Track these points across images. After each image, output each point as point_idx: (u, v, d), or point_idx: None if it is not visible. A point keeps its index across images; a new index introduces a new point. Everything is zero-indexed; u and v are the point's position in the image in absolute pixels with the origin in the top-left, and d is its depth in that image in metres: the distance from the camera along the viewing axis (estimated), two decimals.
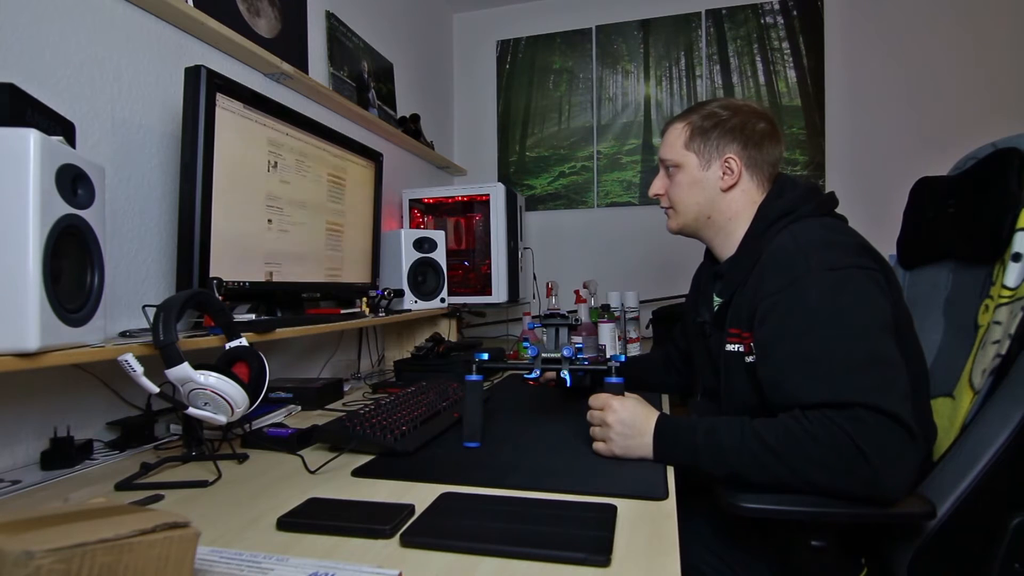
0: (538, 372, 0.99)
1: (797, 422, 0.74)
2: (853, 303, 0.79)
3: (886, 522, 0.81)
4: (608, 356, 0.97)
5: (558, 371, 0.98)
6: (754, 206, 1.00)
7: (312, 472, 0.82)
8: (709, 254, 1.13)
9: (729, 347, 0.95)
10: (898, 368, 0.76)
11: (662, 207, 1.12)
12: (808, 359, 0.78)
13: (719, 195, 1.02)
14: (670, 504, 0.69)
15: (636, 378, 1.33)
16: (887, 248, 0.98)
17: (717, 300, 1.03)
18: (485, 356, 0.98)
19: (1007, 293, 0.87)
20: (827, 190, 1.06)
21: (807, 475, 0.73)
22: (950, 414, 0.92)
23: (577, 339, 1.61)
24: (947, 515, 0.79)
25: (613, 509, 0.65)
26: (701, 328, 1.09)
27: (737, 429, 0.78)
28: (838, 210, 1.00)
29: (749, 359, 0.90)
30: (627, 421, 0.85)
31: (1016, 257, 0.87)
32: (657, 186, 1.10)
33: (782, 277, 0.85)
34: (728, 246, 1.03)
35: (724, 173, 1.01)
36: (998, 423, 0.80)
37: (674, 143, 1.05)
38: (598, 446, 0.87)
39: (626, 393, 0.91)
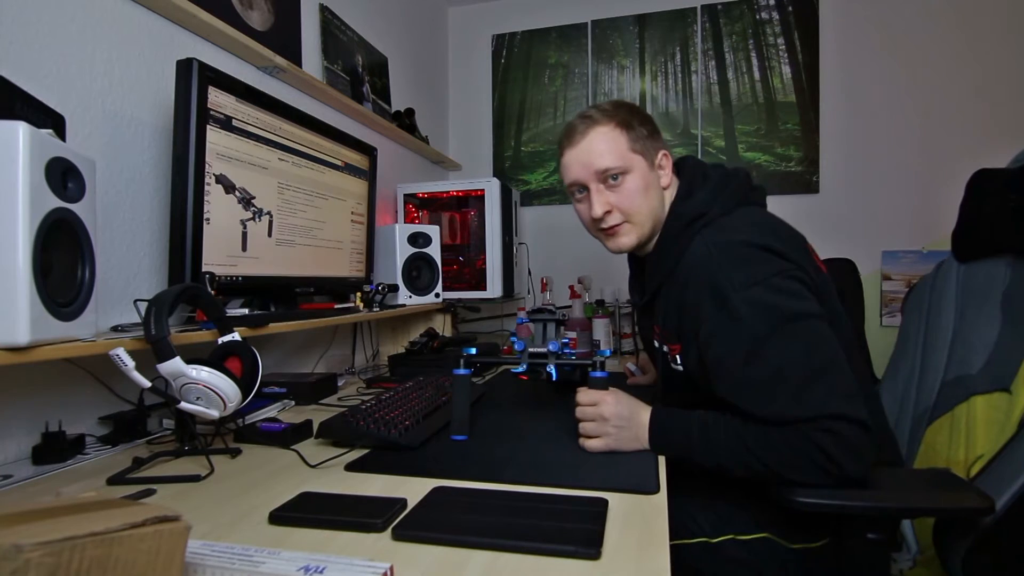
0: (525, 367, 1.00)
1: (778, 434, 0.78)
2: (788, 312, 0.80)
3: (948, 517, 0.82)
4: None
5: (544, 366, 0.98)
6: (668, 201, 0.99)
7: (313, 467, 0.82)
8: None
9: (655, 343, 1.00)
10: (843, 364, 0.79)
11: (606, 226, 0.99)
12: (762, 383, 0.79)
13: (662, 195, 0.99)
14: (661, 498, 0.70)
15: None
16: (886, 242, 0.97)
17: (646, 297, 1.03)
18: (473, 350, 0.99)
19: None
20: (816, 181, 1.05)
21: (784, 475, 0.78)
22: (1007, 409, 0.91)
23: (571, 333, 1.61)
24: (1004, 510, 0.79)
25: (604, 503, 0.65)
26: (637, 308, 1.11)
27: (727, 428, 0.82)
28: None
29: (675, 366, 0.95)
30: (622, 414, 0.87)
31: None
32: (601, 203, 0.97)
33: (708, 296, 0.85)
34: (650, 241, 1.00)
35: (661, 170, 0.99)
36: None
37: (614, 147, 0.95)
38: (593, 443, 0.87)
39: (610, 388, 0.91)
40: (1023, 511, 0.78)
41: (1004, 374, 0.95)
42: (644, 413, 0.88)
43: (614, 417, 0.86)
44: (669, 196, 1.00)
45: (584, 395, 0.90)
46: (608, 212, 0.98)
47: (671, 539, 0.85)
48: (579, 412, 0.90)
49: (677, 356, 0.94)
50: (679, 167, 1.03)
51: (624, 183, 0.96)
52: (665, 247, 0.96)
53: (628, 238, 0.99)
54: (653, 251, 0.99)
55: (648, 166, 0.97)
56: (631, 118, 0.97)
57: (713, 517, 0.91)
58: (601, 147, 0.95)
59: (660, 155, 0.99)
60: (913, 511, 0.76)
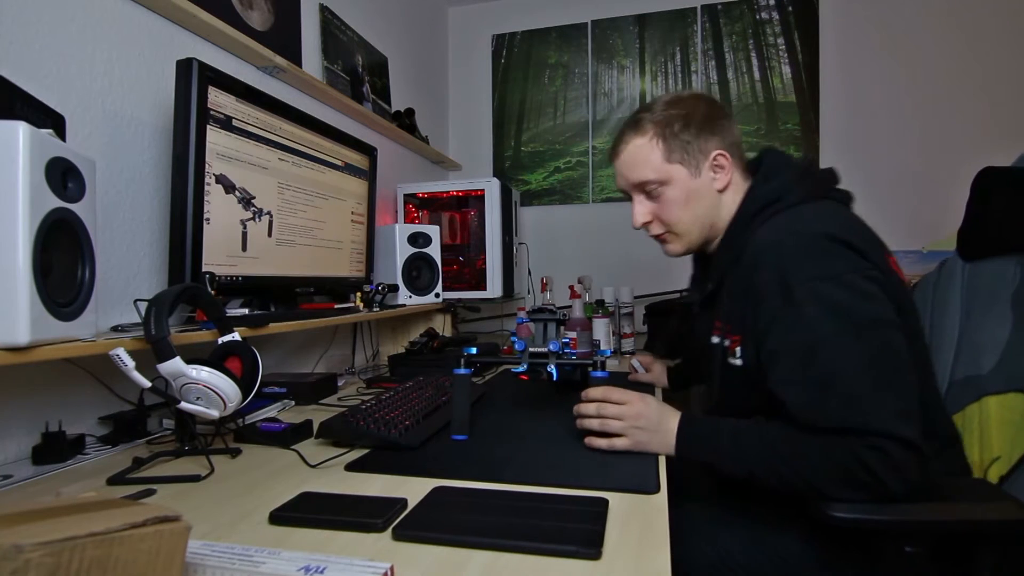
0: (526, 366, 1.00)
1: (808, 444, 0.74)
2: (856, 315, 0.75)
3: (991, 531, 0.78)
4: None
5: (545, 366, 0.98)
6: (734, 200, 0.94)
7: (313, 467, 0.82)
8: None
9: (714, 339, 0.93)
10: (907, 380, 0.74)
11: (653, 234, 1.00)
12: (815, 383, 0.75)
13: (717, 198, 0.94)
14: (661, 498, 0.70)
15: (685, 377, 1.37)
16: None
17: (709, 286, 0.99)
18: (473, 350, 0.99)
19: None
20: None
21: (820, 488, 0.73)
22: (1023, 410, 0.91)
23: (571, 333, 1.61)
24: None
25: (605, 503, 0.65)
26: (691, 308, 1.06)
27: (759, 437, 0.78)
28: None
29: (733, 360, 0.88)
30: (651, 416, 0.85)
31: None
32: (642, 212, 0.98)
33: (774, 285, 0.80)
34: (711, 242, 0.99)
35: (715, 173, 0.93)
36: None
37: (647, 160, 0.94)
38: (619, 441, 0.85)
39: (648, 396, 0.90)
40: None
41: (1018, 374, 0.94)
42: (672, 419, 0.86)
43: (642, 419, 0.85)
44: (735, 194, 0.95)
45: (615, 393, 0.87)
46: (649, 222, 0.98)
47: None
48: (599, 409, 0.87)
49: (737, 349, 0.87)
50: (759, 160, 0.98)
51: (663, 194, 0.95)
52: (733, 236, 0.92)
53: (674, 246, 0.99)
54: (718, 245, 0.96)
55: (691, 174, 0.93)
56: (673, 123, 0.92)
57: (775, 560, 0.83)
58: (637, 160, 0.95)
59: (712, 157, 0.93)
60: (955, 524, 0.73)
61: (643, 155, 0.94)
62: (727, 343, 0.90)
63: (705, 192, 0.94)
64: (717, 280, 0.94)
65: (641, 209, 0.98)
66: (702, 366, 1.01)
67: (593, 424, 0.88)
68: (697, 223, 0.95)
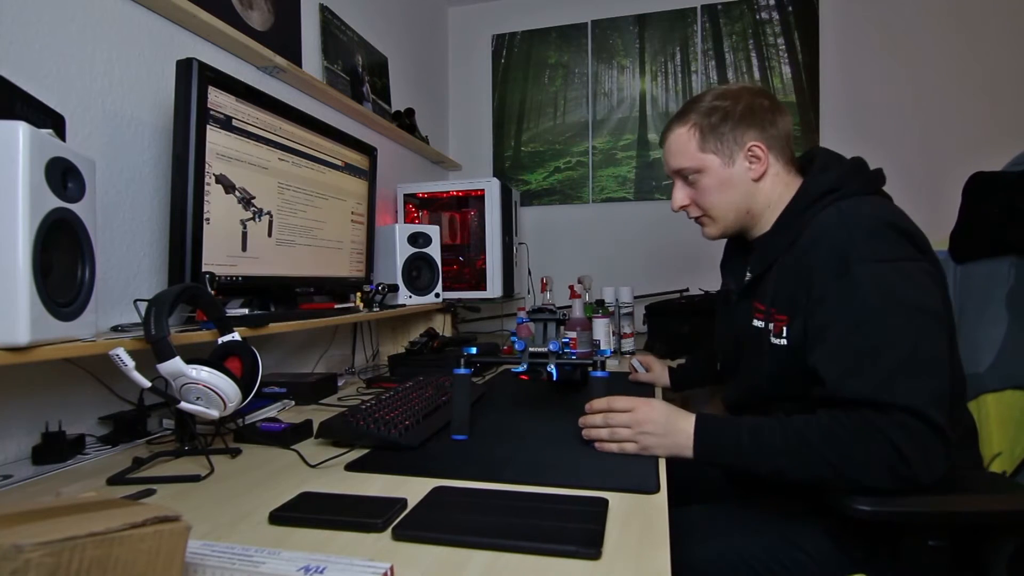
0: (526, 366, 1.00)
1: (839, 422, 0.75)
2: (907, 299, 0.77)
3: (1012, 521, 0.79)
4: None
5: (545, 366, 0.98)
6: (789, 188, 0.97)
7: (313, 467, 0.82)
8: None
9: (756, 323, 0.94)
10: (942, 368, 0.76)
11: (692, 217, 1.06)
12: (857, 354, 0.76)
13: (752, 186, 0.97)
14: (661, 498, 0.70)
15: (686, 377, 1.39)
16: None
17: (749, 274, 1.01)
18: (473, 350, 0.99)
19: None
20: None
21: (850, 474, 0.73)
22: (1022, 406, 0.92)
23: (571, 333, 1.61)
24: None
25: (604, 503, 0.65)
26: (727, 297, 1.08)
27: (780, 429, 0.78)
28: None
29: (777, 340, 0.89)
30: (660, 420, 0.85)
31: None
32: (680, 198, 1.04)
33: (831, 260, 0.82)
34: (762, 227, 1.00)
35: (751, 163, 0.97)
36: None
37: (685, 149, 0.99)
38: (629, 446, 0.85)
39: (653, 400, 0.90)
40: None
41: (1016, 372, 0.96)
42: (685, 421, 0.85)
43: (649, 423, 0.84)
44: (777, 184, 0.98)
45: (619, 401, 0.87)
46: (687, 205, 1.04)
47: None
48: (609, 419, 0.87)
49: (783, 328, 0.88)
50: (810, 156, 1.01)
51: (699, 181, 1.00)
52: (787, 221, 0.94)
53: (710, 230, 1.05)
54: (770, 230, 0.97)
55: (723, 163, 0.97)
56: (712, 115, 0.97)
57: (802, 558, 0.83)
58: (676, 148, 1.01)
59: (748, 148, 0.96)
60: (975, 516, 0.74)
61: (681, 144, 1.00)
62: (771, 325, 0.91)
63: (739, 181, 0.98)
64: (766, 265, 0.95)
65: (680, 194, 1.04)
66: (735, 354, 1.03)
67: (602, 434, 0.87)
68: (732, 209, 1.00)
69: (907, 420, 0.71)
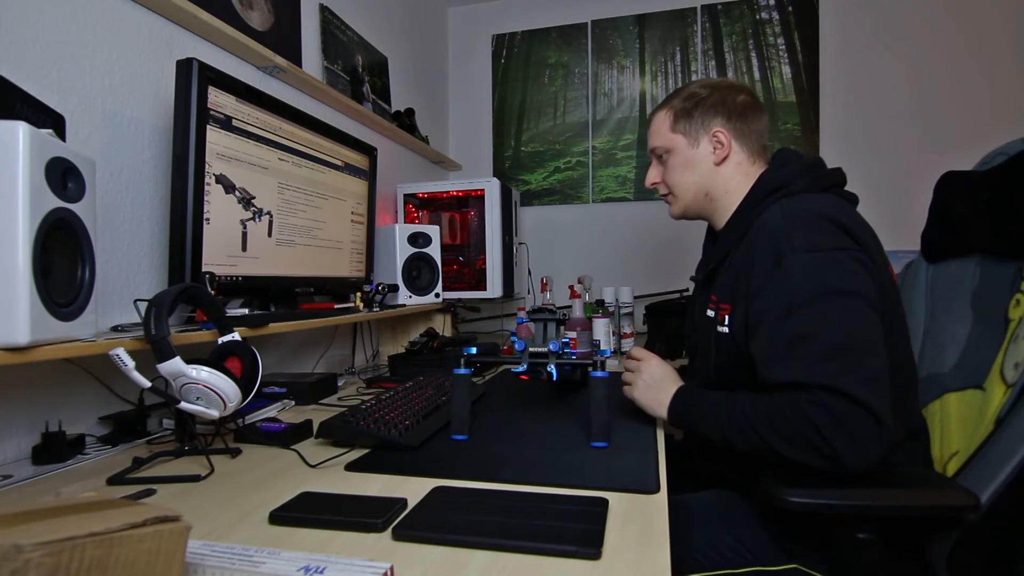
0: (525, 366, 1.00)
1: (774, 404, 0.80)
2: (835, 286, 0.81)
3: (935, 515, 0.83)
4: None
5: (545, 366, 0.98)
6: (748, 178, 1.02)
7: (313, 466, 0.82)
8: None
9: (708, 312, 1.00)
10: (875, 351, 0.78)
11: (661, 195, 1.13)
12: (789, 340, 0.81)
13: (713, 170, 1.04)
14: (661, 498, 0.70)
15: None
16: (886, 242, 0.98)
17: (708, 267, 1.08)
18: (473, 350, 0.99)
19: None
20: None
21: (777, 449, 0.79)
22: (980, 406, 0.92)
23: (571, 333, 1.61)
24: (987, 506, 0.79)
25: (604, 502, 0.65)
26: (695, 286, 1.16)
27: (733, 403, 0.86)
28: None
29: (721, 329, 0.96)
30: (655, 377, 0.99)
31: None
32: (652, 175, 1.12)
33: (767, 254, 0.87)
34: (723, 217, 1.05)
35: (714, 148, 1.03)
36: None
37: (660, 129, 1.08)
38: (625, 388, 1.02)
39: (660, 361, 1.03)
40: (1005, 507, 0.79)
41: (977, 372, 0.96)
42: (673, 385, 0.97)
43: (647, 375, 0.99)
44: (740, 175, 1.03)
45: (635, 351, 1.04)
46: (657, 183, 1.12)
47: (684, 571, 0.85)
48: (625, 362, 1.05)
49: (726, 317, 0.95)
50: (774, 155, 1.07)
51: (668, 160, 1.08)
52: (741, 215, 1.00)
53: (673, 208, 1.12)
54: (726, 224, 1.04)
55: (689, 144, 1.05)
56: (688, 100, 1.05)
57: (737, 546, 0.88)
58: (653, 129, 1.10)
59: (712, 133, 1.03)
60: (902, 509, 0.77)
61: (657, 124, 1.09)
62: (717, 315, 0.98)
63: (701, 162, 1.05)
64: (720, 257, 1.01)
65: (652, 172, 1.12)
66: (695, 343, 1.10)
67: (625, 376, 1.03)
68: (692, 189, 1.07)
69: (831, 401, 0.74)
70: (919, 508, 0.77)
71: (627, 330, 1.96)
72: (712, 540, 0.89)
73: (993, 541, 0.80)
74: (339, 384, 1.43)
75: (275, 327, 1.14)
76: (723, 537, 0.89)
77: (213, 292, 0.98)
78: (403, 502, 0.65)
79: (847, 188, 1.03)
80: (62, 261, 0.73)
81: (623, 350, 1.93)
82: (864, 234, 0.88)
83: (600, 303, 1.98)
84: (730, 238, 1.00)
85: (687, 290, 2.31)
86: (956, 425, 0.97)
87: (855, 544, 0.77)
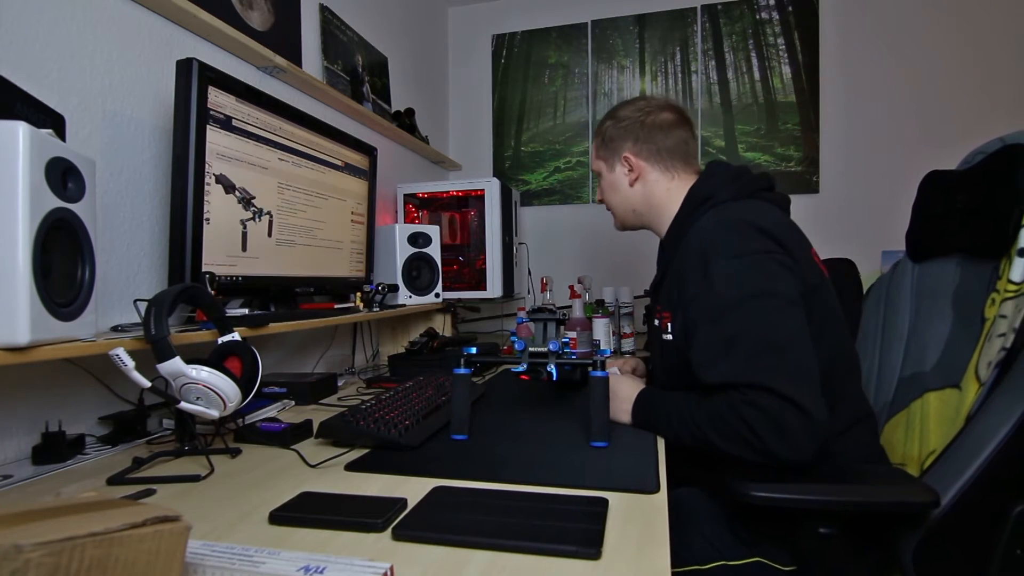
0: (525, 366, 1.00)
1: (712, 403, 0.85)
2: (758, 290, 0.86)
3: (893, 511, 0.85)
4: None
5: (545, 366, 0.98)
6: (673, 191, 1.09)
7: (313, 466, 0.82)
8: None
9: (656, 321, 1.07)
10: (800, 347, 0.83)
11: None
12: (718, 344, 0.86)
13: (629, 190, 1.14)
14: (661, 498, 0.70)
15: None
16: (886, 242, 1.00)
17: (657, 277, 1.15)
18: (473, 350, 0.99)
19: (1012, 288, 0.88)
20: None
21: (718, 444, 0.84)
22: (957, 405, 0.93)
23: (571, 333, 1.61)
24: (951, 503, 0.81)
25: (604, 502, 0.65)
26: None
27: (682, 403, 0.91)
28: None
29: (665, 336, 1.02)
30: (618, 392, 1.03)
31: (1022, 252, 0.88)
32: (598, 193, 1.25)
33: (697, 263, 0.93)
34: (663, 230, 1.13)
35: (627, 171, 1.13)
36: (1001, 415, 0.82)
37: (592, 154, 1.21)
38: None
39: (625, 375, 1.08)
40: (970, 503, 0.81)
41: (955, 371, 0.97)
42: (635, 392, 1.01)
43: (613, 394, 1.02)
44: (654, 188, 1.12)
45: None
46: (600, 200, 1.24)
47: None
48: None
49: (668, 325, 1.01)
50: (705, 168, 1.13)
51: (599, 182, 1.22)
52: (676, 227, 1.07)
53: (615, 222, 1.25)
54: (664, 236, 1.11)
55: (608, 168, 1.16)
56: (608, 130, 1.15)
57: (702, 542, 0.91)
58: (591, 152, 1.24)
59: (623, 157, 1.13)
60: (859, 504, 0.79)
61: (592, 149, 1.22)
62: (659, 324, 1.05)
63: (619, 184, 1.15)
64: (662, 268, 1.09)
65: (599, 190, 1.24)
66: (651, 351, 1.16)
67: None
68: (620, 206, 1.18)
69: (759, 398, 0.79)
70: (877, 504, 0.79)
71: (627, 330, 1.96)
72: (680, 537, 0.91)
73: (959, 536, 0.82)
74: (339, 384, 1.43)
75: (275, 327, 1.14)
76: (690, 535, 0.92)
77: (213, 292, 0.98)
78: (403, 502, 0.65)
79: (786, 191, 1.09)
80: (62, 261, 0.73)
81: (623, 350, 1.93)
82: (787, 236, 0.93)
83: (600, 303, 1.98)
84: (669, 249, 1.07)
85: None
86: (935, 424, 0.98)
87: (817, 538, 0.79)
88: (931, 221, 1.14)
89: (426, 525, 0.60)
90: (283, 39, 1.55)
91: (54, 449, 0.86)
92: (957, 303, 1.04)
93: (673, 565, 0.87)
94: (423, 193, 2.14)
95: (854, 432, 0.94)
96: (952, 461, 0.84)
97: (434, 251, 1.82)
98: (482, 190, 2.06)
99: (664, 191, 1.10)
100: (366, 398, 1.14)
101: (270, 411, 1.15)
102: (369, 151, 1.63)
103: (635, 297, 2.05)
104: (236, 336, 0.95)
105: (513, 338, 1.10)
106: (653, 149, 1.10)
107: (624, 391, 1.03)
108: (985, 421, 0.83)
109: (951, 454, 0.85)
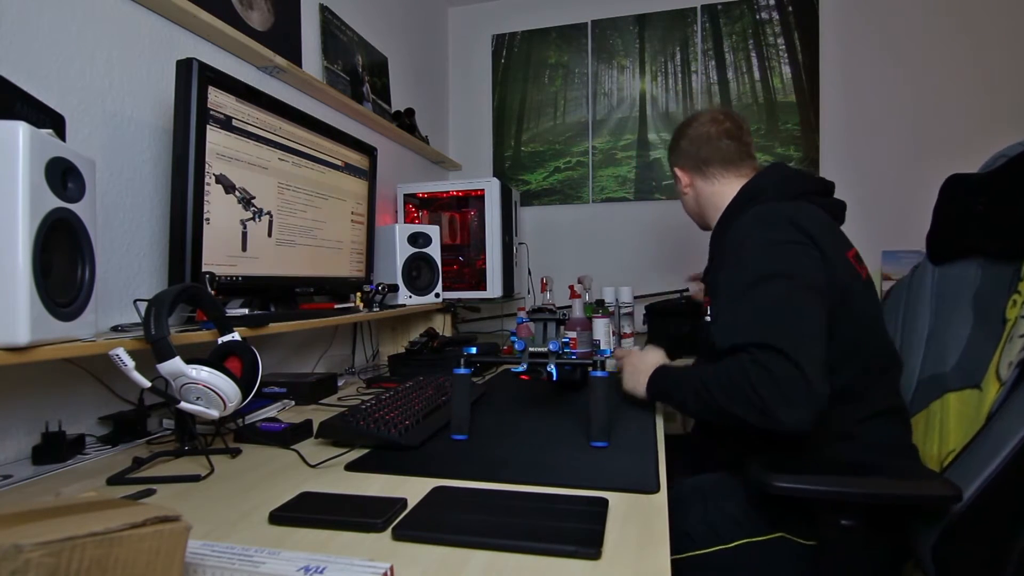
0: (525, 366, 1.00)
1: (723, 365, 0.89)
2: (778, 271, 0.91)
3: (914, 504, 0.86)
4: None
5: (545, 366, 0.98)
6: (714, 195, 1.21)
7: (313, 466, 0.82)
8: None
9: (709, 313, 1.11)
10: (810, 321, 0.87)
11: None
12: (732, 314, 0.93)
13: (685, 196, 1.30)
14: (661, 498, 0.70)
15: None
16: (886, 242, 1.02)
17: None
18: (473, 350, 0.99)
19: None
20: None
21: (722, 404, 0.87)
22: (977, 404, 0.94)
23: (571, 333, 1.61)
24: (972, 499, 0.82)
25: (604, 502, 0.65)
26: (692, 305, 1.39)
27: (695, 371, 0.98)
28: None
29: (708, 319, 1.09)
30: (635, 364, 1.12)
31: None
32: None
33: (732, 250, 1.00)
34: (714, 225, 1.22)
35: (681, 181, 1.28)
36: (1022, 414, 0.82)
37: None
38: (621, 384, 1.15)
39: (651, 347, 1.16)
40: (990, 500, 0.81)
41: (975, 371, 0.98)
42: (653, 367, 1.08)
43: (628, 365, 1.14)
44: (703, 194, 1.24)
45: (618, 351, 1.24)
46: None
47: (683, 550, 0.91)
48: (616, 363, 1.23)
49: (708, 307, 1.10)
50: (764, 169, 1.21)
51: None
52: (723, 220, 1.17)
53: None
54: (714, 228, 1.21)
55: (676, 177, 1.30)
56: (670, 145, 1.32)
57: (727, 522, 0.93)
58: None
59: (674, 171, 1.30)
60: (881, 497, 0.81)
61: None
62: (705, 306, 1.12)
63: (679, 190, 1.31)
64: (711, 259, 1.17)
65: None
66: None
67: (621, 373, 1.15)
68: (685, 208, 1.34)
69: (764, 357, 0.83)
70: (900, 497, 0.80)
71: (627, 330, 1.96)
72: (705, 518, 0.95)
73: (978, 533, 0.82)
74: (339, 384, 1.43)
75: (275, 327, 1.14)
76: (715, 514, 0.95)
77: (213, 292, 0.98)
78: (403, 502, 0.65)
79: (837, 196, 1.16)
80: (62, 261, 0.73)
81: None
82: (820, 234, 0.97)
83: (600, 303, 1.98)
84: (716, 245, 1.16)
85: (687, 290, 2.31)
86: (954, 424, 0.98)
87: (838, 529, 0.80)
88: (952, 223, 1.14)
89: (426, 525, 0.60)
90: (283, 39, 1.55)
91: (54, 449, 0.86)
92: (978, 305, 1.04)
93: (699, 546, 0.92)
94: (423, 193, 2.14)
95: (878, 421, 0.97)
96: (972, 459, 0.85)
97: (434, 251, 1.82)
98: (482, 190, 2.06)
99: (709, 194, 1.23)
100: (366, 398, 1.14)
101: (270, 411, 1.15)
102: (369, 151, 1.63)
103: (635, 297, 2.05)
104: (236, 336, 0.95)
105: (513, 338, 1.10)
106: (692, 162, 1.24)
107: (650, 359, 1.11)
108: (1006, 420, 0.84)
109: (971, 452, 0.86)
